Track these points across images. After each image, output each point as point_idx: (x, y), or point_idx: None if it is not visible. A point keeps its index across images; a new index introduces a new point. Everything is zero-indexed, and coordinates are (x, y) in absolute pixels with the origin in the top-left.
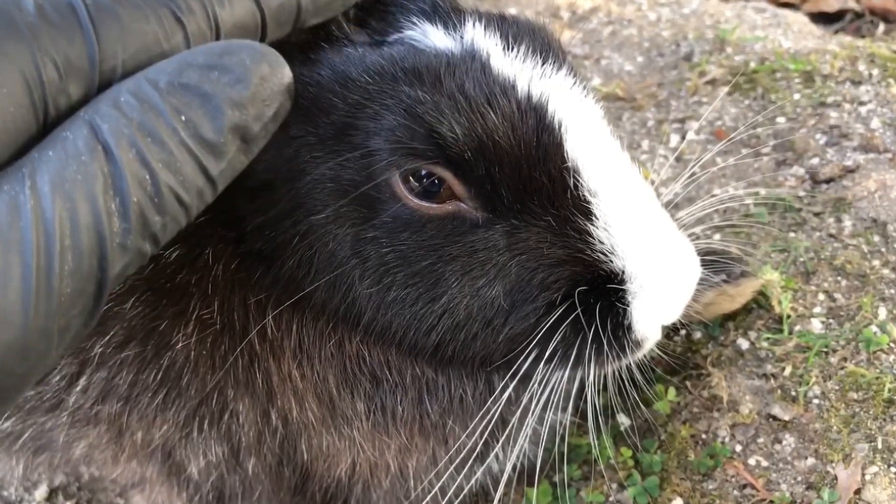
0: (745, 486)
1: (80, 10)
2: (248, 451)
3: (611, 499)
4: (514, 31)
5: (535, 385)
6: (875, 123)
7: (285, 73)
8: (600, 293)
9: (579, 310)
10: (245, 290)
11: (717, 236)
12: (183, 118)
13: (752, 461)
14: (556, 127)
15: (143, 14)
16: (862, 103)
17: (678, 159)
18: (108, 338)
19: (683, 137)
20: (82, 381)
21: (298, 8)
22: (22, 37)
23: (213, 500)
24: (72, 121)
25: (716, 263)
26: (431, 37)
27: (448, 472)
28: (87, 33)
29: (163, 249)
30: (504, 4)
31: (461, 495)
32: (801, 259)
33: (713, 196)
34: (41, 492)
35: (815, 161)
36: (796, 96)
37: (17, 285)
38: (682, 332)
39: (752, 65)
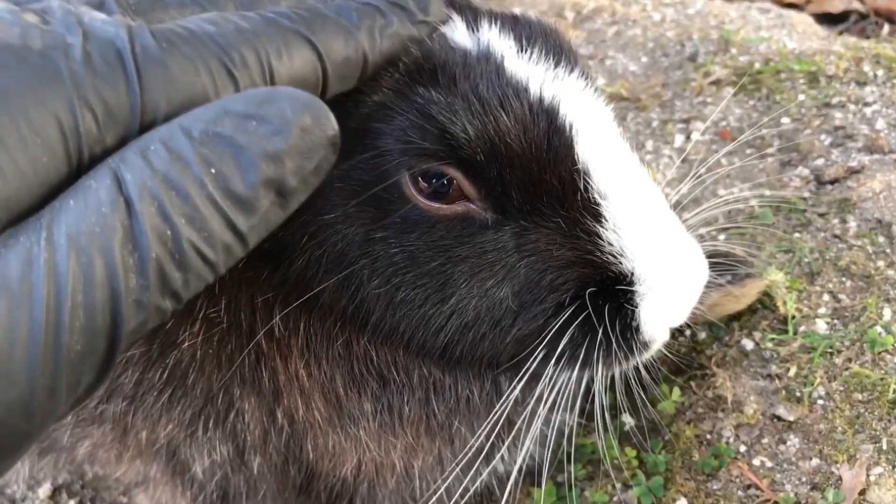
0: (749, 487)
1: (127, 59)
2: (253, 450)
3: (615, 498)
4: (528, 33)
5: (543, 386)
6: (880, 124)
7: (330, 125)
8: (609, 295)
9: (588, 311)
10: (252, 290)
11: (721, 237)
12: (213, 170)
13: (756, 461)
14: (567, 129)
15: (194, 66)
16: (867, 104)
17: (683, 160)
18: None
19: (688, 138)
20: None
21: (365, 62)
22: (63, 85)
23: (217, 500)
24: (98, 169)
25: (721, 265)
26: (457, 34)
27: (454, 473)
28: (131, 83)
29: None
30: (509, 4)
31: (466, 496)
32: (806, 260)
33: (718, 197)
34: (44, 490)
35: (820, 162)
36: (801, 97)
37: (24, 342)
38: (688, 332)
39: (757, 65)
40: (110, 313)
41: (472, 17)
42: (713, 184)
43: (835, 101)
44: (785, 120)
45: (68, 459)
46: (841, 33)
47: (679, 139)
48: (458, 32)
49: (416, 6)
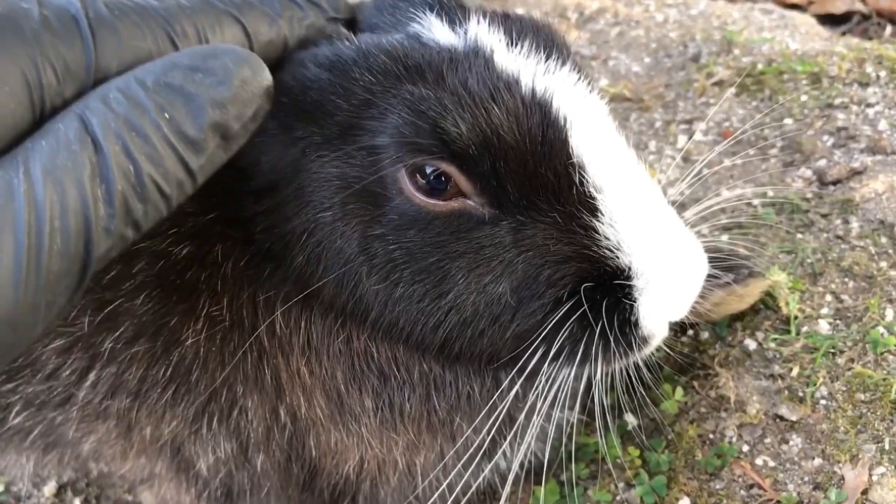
0: (752, 486)
1: (81, 21)
2: (256, 447)
3: (618, 497)
4: (518, 28)
5: (542, 382)
6: (882, 125)
7: (265, 77)
8: (607, 289)
9: (586, 306)
10: (254, 288)
11: (724, 237)
12: (166, 115)
13: (759, 461)
14: (561, 122)
15: (141, 32)
16: (869, 105)
17: (685, 160)
18: (118, 333)
19: (691, 138)
20: (92, 376)
21: (285, 46)
22: (26, 41)
23: (221, 497)
24: (64, 114)
25: (723, 261)
26: (435, 31)
27: (456, 469)
28: (86, 43)
29: (172, 247)
30: (511, 4)
31: (469, 492)
32: (809, 260)
33: (719, 195)
34: (50, 488)
35: (823, 162)
36: (803, 98)
37: (10, 262)
38: (690, 331)
39: (760, 66)
40: (83, 239)
41: (459, 15)
42: (716, 183)
43: (837, 101)
44: (787, 120)
45: (73, 455)
46: (843, 34)
47: (682, 140)
48: (439, 31)
49: (329, 4)
